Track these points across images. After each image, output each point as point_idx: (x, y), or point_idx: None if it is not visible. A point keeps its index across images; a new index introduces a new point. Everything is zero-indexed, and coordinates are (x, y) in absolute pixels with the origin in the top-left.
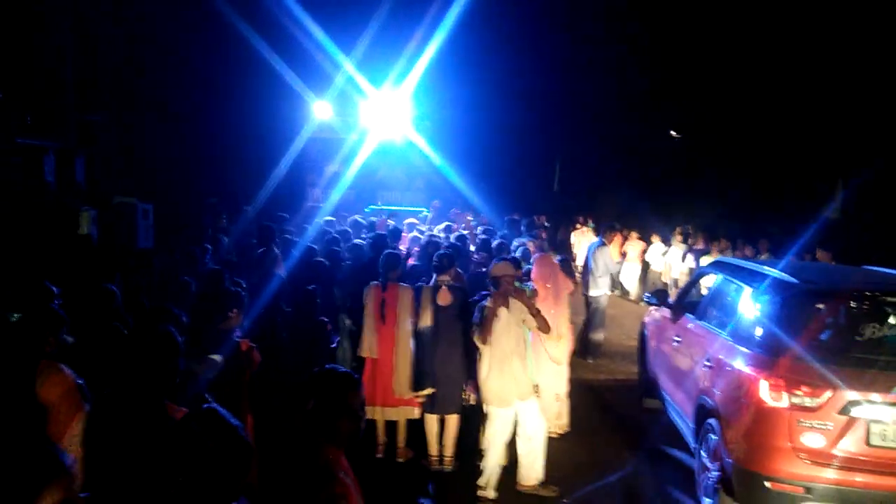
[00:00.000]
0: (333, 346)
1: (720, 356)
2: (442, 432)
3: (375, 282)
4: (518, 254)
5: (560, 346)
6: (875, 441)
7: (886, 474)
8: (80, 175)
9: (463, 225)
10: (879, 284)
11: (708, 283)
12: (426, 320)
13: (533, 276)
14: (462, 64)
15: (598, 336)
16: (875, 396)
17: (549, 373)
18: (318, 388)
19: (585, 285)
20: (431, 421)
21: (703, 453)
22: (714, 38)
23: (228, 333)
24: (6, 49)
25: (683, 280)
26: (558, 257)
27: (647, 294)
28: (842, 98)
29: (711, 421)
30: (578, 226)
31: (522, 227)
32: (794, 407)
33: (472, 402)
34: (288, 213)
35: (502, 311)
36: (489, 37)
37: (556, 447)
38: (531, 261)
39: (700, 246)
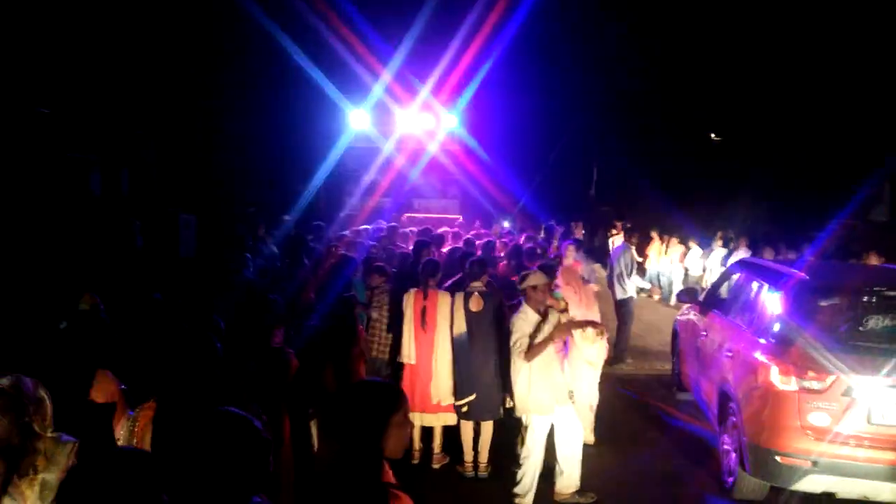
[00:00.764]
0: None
1: (740, 346)
2: (476, 438)
3: (415, 288)
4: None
5: (596, 347)
6: (876, 419)
7: (885, 449)
8: (125, 186)
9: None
10: (881, 280)
11: (732, 281)
12: (460, 327)
13: (559, 283)
14: (498, 71)
15: (629, 339)
16: (876, 380)
17: (584, 378)
18: (361, 404)
19: (612, 289)
20: (467, 427)
21: (725, 437)
22: (754, 40)
23: (267, 340)
24: (54, 65)
25: None
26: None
27: (678, 292)
28: (891, 99)
29: (732, 405)
30: (615, 231)
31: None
32: (802, 390)
33: (510, 406)
34: (324, 222)
35: (544, 325)
36: (526, 44)
37: (588, 452)
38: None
39: (741, 250)
